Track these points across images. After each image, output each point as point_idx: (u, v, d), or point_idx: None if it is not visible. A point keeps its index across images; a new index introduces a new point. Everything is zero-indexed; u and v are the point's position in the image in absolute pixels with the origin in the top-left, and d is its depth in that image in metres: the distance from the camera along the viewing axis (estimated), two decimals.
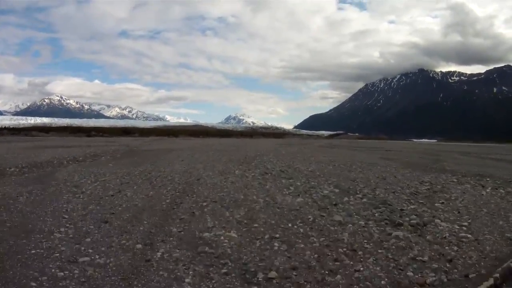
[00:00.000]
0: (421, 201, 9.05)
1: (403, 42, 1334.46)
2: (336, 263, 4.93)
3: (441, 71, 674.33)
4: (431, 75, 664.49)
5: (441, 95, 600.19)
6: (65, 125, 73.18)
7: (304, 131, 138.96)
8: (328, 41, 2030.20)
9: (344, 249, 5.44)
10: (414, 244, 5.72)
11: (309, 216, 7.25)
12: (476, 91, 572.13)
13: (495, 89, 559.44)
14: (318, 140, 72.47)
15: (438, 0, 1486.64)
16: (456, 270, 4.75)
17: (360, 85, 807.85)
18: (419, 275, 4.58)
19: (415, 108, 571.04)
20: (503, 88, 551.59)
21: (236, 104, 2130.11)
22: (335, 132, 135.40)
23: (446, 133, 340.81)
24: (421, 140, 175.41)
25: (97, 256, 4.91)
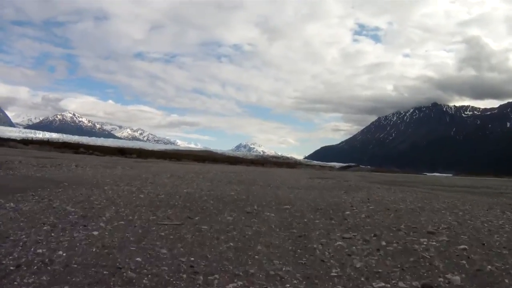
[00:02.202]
0: None
1: (417, 76, 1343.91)
2: None
3: (454, 106, 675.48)
4: (444, 109, 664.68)
5: (454, 129, 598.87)
6: (47, 140, 68.96)
7: (315, 162, 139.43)
8: (342, 73, 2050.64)
9: None
10: None
11: None
12: (489, 125, 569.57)
13: (508, 124, 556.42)
14: (343, 172, 71.84)
15: (454, 33, 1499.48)
16: None
17: (373, 118, 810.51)
18: None
19: (428, 142, 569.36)
20: None
21: (247, 132, 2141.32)
22: (347, 164, 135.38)
23: (458, 167, 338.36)
24: (433, 173, 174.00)
25: None
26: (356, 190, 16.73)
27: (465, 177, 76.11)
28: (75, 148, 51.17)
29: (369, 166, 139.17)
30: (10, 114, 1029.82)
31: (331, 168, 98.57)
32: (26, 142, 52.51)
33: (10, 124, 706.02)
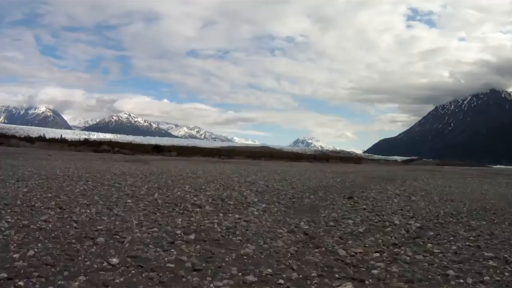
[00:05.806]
0: None
1: (474, 60, 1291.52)
2: None
3: None
4: (503, 95, 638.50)
5: None
6: (61, 136, 59.24)
7: (376, 156, 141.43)
8: (397, 61, 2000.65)
9: None
10: None
11: None
12: None
13: None
14: (437, 168, 68.44)
15: (511, 12, 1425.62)
16: None
17: (430, 107, 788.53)
18: None
19: (488, 131, 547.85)
20: None
21: (304, 126, 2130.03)
22: (409, 158, 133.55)
23: None
24: (497, 166, 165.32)
25: None
26: None
27: None
28: (96, 145, 46.32)
29: (431, 159, 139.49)
30: (66, 117, 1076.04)
31: (395, 162, 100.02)
32: (31, 140, 45.90)
33: (67, 127, 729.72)
